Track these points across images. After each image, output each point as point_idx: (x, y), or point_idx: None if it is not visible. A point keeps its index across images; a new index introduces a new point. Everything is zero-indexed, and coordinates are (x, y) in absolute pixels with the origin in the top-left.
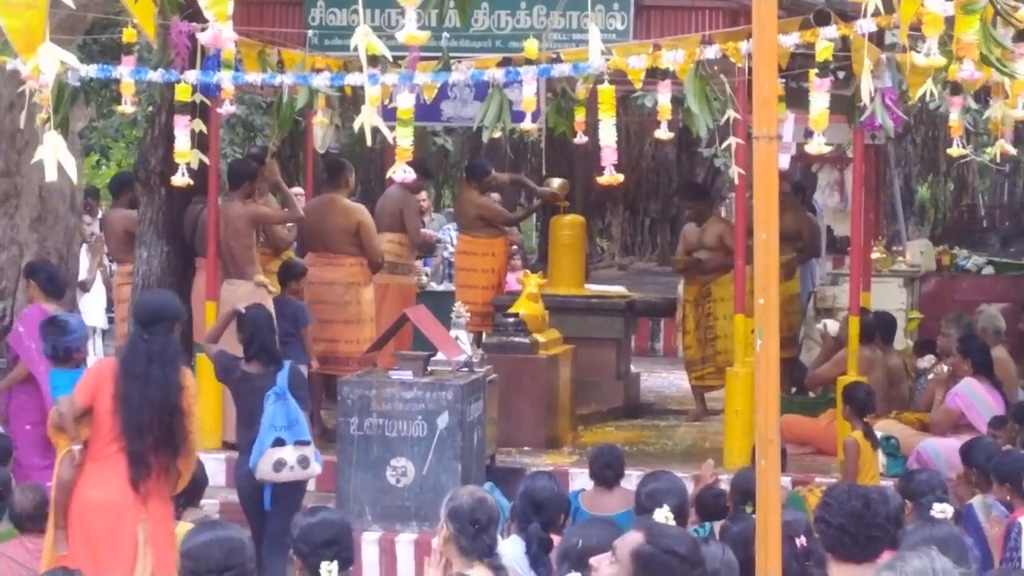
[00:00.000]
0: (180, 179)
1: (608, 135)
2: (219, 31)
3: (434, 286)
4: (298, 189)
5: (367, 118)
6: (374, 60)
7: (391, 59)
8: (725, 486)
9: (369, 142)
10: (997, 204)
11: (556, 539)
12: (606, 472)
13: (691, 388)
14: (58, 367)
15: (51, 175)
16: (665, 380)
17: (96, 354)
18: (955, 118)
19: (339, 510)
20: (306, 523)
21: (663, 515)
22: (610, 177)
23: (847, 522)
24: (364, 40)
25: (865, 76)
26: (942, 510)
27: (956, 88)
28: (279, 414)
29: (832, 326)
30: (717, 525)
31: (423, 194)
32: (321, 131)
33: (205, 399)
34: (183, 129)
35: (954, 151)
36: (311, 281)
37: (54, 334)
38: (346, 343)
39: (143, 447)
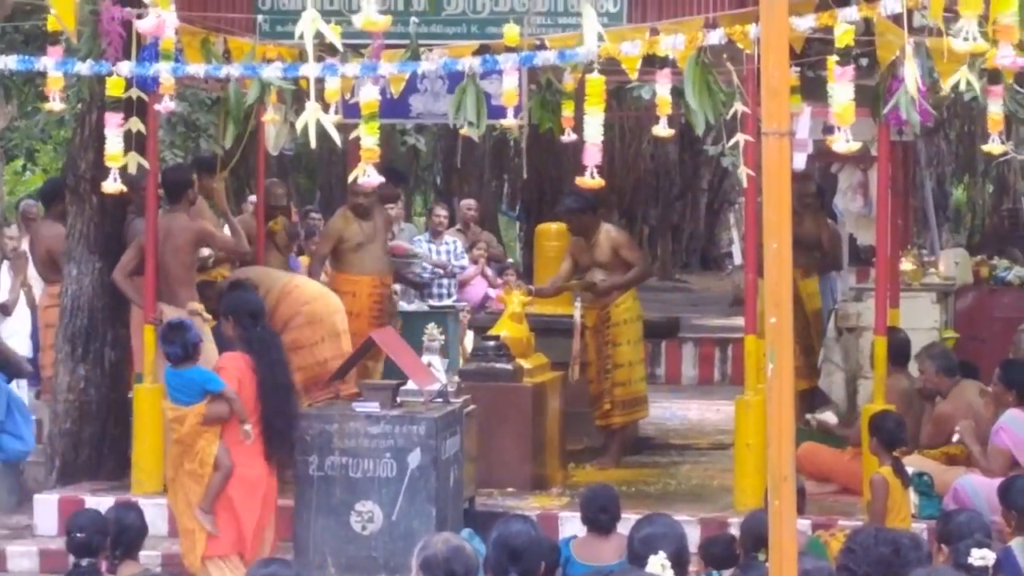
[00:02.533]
0: (112, 185)
1: (593, 130)
2: (162, 18)
3: (404, 305)
4: (252, 198)
5: (311, 115)
6: (332, 48)
7: (341, 48)
8: (735, 530)
9: (313, 143)
10: None
11: None
12: (600, 516)
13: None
14: (179, 367)
15: None
16: (667, 411)
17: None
18: (995, 110)
19: (296, 562)
20: (254, 574)
21: (658, 563)
22: (590, 180)
23: (874, 571)
24: (312, 27)
25: (909, 62)
26: (982, 556)
27: (995, 76)
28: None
29: (830, 418)
30: (726, 575)
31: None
32: (274, 130)
33: (145, 435)
34: (115, 129)
35: (992, 148)
36: (323, 293)
37: (181, 334)
38: (334, 360)
39: (283, 425)
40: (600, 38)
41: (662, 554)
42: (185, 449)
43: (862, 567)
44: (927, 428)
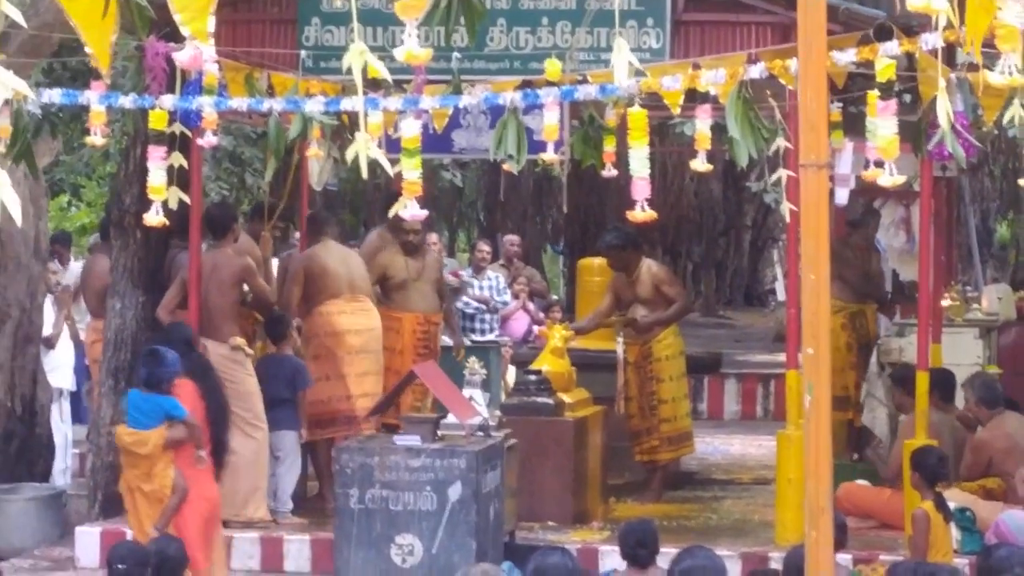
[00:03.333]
0: (154, 217)
1: (639, 165)
2: (198, 51)
3: (444, 339)
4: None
5: (362, 147)
6: (375, 84)
7: (391, 81)
8: (776, 565)
9: (364, 174)
10: None
11: None
12: (639, 551)
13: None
14: (146, 391)
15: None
16: (709, 446)
17: (64, 421)
18: None
19: None
20: None
21: None
22: (642, 214)
23: None
24: (360, 61)
25: (941, 96)
26: None
27: None
28: None
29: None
30: None
31: (433, 236)
32: (317, 165)
33: None
34: (158, 161)
35: None
36: (348, 330)
37: (153, 364)
38: (338, 402)
39: (224, 446)
40: (637, 73)
41: None
42: (145, 472)
43: None
44: (965, 458)
